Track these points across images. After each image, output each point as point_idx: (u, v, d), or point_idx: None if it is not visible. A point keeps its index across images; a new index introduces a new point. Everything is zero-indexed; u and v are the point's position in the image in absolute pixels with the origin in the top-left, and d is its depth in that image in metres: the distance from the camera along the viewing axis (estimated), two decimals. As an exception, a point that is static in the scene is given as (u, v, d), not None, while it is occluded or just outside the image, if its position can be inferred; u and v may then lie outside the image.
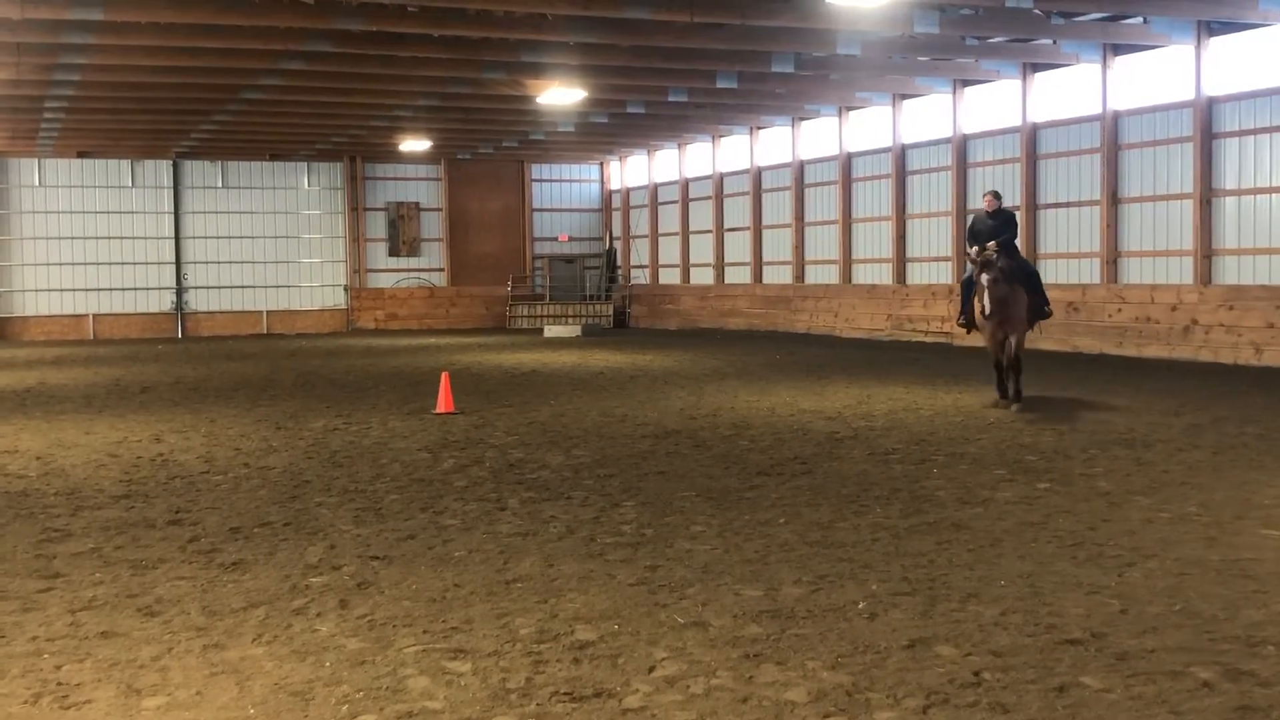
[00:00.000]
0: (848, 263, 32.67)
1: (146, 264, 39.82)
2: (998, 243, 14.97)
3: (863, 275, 32.32)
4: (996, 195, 15.76)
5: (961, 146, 28.47)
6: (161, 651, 5.99)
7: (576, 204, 44.73)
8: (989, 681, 5.44)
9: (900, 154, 30.54)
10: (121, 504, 9.93)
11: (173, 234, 39.97)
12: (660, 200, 41.64)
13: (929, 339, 29.20)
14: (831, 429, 13.91)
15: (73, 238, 38.96)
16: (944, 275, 29.33)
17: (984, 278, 14.73)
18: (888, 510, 9.26)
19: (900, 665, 5.67)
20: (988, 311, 14.77)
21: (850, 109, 32.07)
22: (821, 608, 6.61)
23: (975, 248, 15.05)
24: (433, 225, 42.83)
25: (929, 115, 29.74)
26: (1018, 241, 16.32)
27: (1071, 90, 25.73)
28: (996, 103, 27.74)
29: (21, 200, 38.59)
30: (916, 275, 30.44)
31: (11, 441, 13.82)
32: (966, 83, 28.06)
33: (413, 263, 42.71)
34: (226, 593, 7.10)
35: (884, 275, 31.42)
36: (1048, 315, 15.90)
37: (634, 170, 43.23)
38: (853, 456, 11.87)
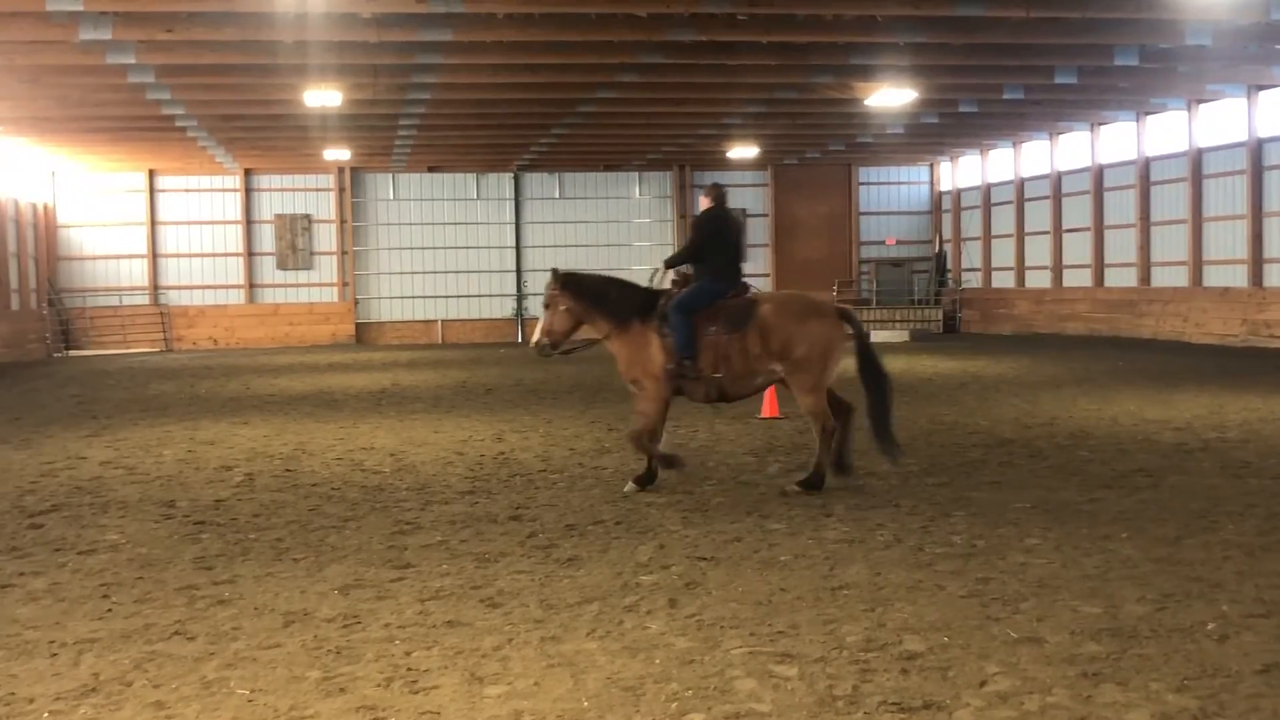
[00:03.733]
0: (1198, 264, 30.86)
1: (490, 272, 41.80)
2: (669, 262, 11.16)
3: (1214, 277, 30.45)
4: (710, 190, 11.09)
5: (1327, 138, 26.43)
6: (502, 642, 6.26)
7: (905, 206, 44.05)
8: (1358, 716, 5.03)
9: (1256, 148, 28.61)
10: (466, 499, 10.45)
11: (514, 244, 41.83)
12: (993, 201, 40.49)
13: (1289, 345, 27.24)
14: (1179, 440, 13.16)
15: (423, 248, 41.35)
16: (1306, 277, 27.31)
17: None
18: (1241, 527, 8.69)
19: (1253, 690, 5.32)
20: (533, 341, 11.18)
21: (1200, 102, 30.32)
22: (1166, 628, 6.28)
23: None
24: (759, 231, 43.09)
25: (1290, 105, 27.78)
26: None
27: None
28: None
29: (377, 213, 41.23)
30: (1276, 277, 28.42)
31: (368, 439, 14.77)
32: (1333, 69, 26.04)
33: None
34: (562, 587, 7.36)
35: (1238, 277, 29.50)
36: (682, 370, 10.54)
37: (966, 171, 42.21)
38: (1202, 470, 11.20)
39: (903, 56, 22.94)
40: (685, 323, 10.54)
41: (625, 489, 10.60)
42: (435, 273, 41.40)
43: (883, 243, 43.71)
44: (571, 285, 10.92)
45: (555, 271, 11.11)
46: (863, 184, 43.61)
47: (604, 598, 7.10)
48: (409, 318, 41.36)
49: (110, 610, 7.03)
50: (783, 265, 43.00)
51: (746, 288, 10.91)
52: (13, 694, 5.60)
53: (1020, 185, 38.73)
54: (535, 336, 11.01)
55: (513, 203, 41.83)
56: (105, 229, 39.35)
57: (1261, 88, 28.17)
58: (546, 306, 10.95)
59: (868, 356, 10.53)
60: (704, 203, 11.14)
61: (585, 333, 11.01)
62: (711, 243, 10.86)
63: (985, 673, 5.65)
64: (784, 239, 43.05)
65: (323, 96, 24.34)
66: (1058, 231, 36.87)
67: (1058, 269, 36.98)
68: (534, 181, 41.94)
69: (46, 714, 5.36)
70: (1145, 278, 32.94)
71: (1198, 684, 5.44)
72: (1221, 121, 30.06)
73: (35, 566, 8.19)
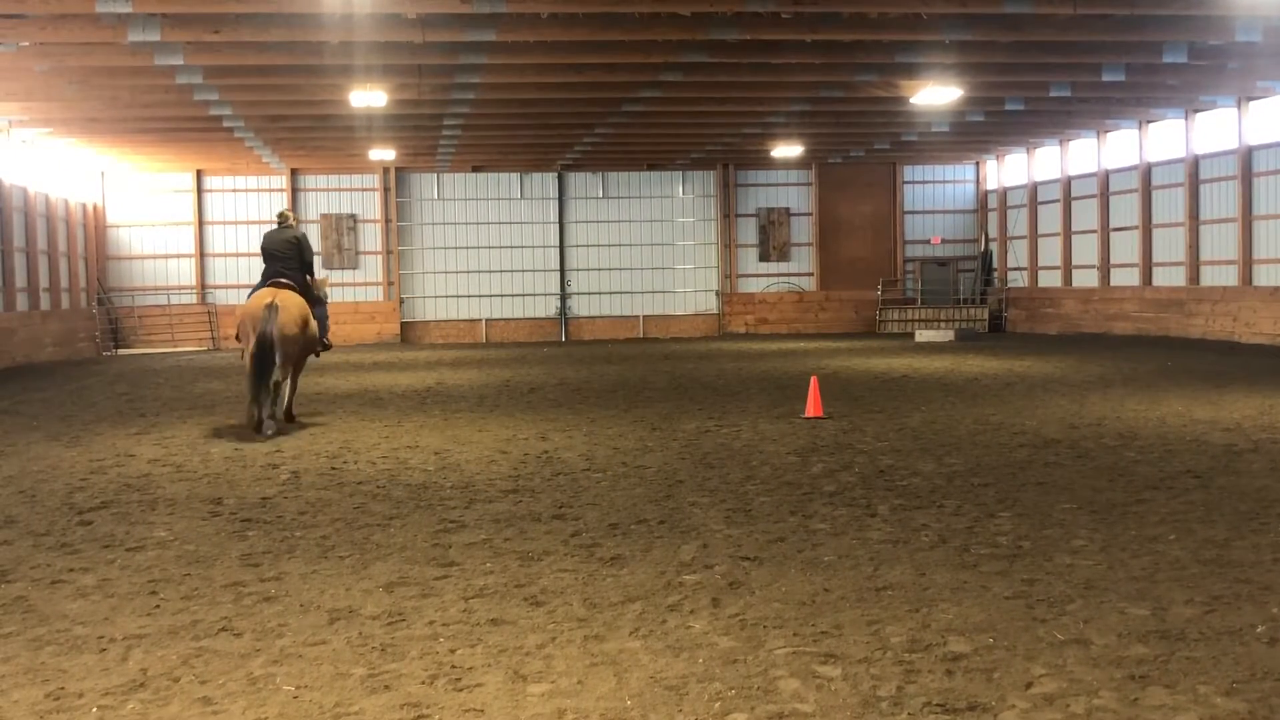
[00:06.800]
0: (1248, 263, 30.51)
1: (534, 271, 41.92)
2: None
3: (1265, 277, 30.10)
4: (278, 216, 16.41)
5: (1381, 135, 26.05)
6: (546, 640, 6.28)
7: (950, 205, 43.78)
8: None
9: (1308, 145, 28.27)
10: (510, 498, 10.49)
11: (557, 243, 41.93)
12: (1040, 200, 40.19)
13: (1341, 345, 26.87)
14: (1229, 441, 13.02)
15: (467, 247, 41.53)
16: (1359, 275, 26.92)
17: None
18: (1292, 529, 8.58)
19: (1306, 697, 5.25)
20: None
21: (1250, 99, 29.97)
22: (1215, 630, 6.21)
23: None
24: (802, 230, 43.00)
25: (1342, 102, 27.39)
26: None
27: None
28: None
29: (422, 212, 41.45)
30: (1327, 276, 28.09)
31: (413, 437, 14.84)
32: (1387, 65, 25.65)
33: (782, 267, 43.03)
34: (605, 586, 7.37)
35: (1289, 276, 29.17)
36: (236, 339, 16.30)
37: (1012, 169, 41.92)
38: (1252, 470, 11.07)
39: (948, 54, 22.81)
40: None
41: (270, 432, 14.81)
42: (479, 272, 41.57)
43: (928, 242, 43.48)
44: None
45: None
46: (907, 183, 43.39)
47: (647, 597, 7.10)
48: (453, 317, 41.56)
49: (158, 606, 7.10)
50: (827, 264, 42.87)
51: (282, 285, 15.56)
52: (62, 689, 5.67)
53: (1067, 183, 38.43)
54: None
55: (556, 202, 41.93)
56: (153, 229, 39.79)
57: (1313, 84, 27.84)
58: None
59: (262, 345, 14.87)
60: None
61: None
62: (264, 253, 16.03)
63: (1031, 674, 5.61)
64: (828, 238, 42.91)
65: (368, 97, 24.47)
66: (1105, 230, 36.55)
67: (1105, 268, 36.67)
68: (578, 181, 42.03)
69: (95, 709, 5.41)
70: (1194, 277, 32.60)
71: (1247, 687, 5.38)
72: (1272, 118, 29.70)
73: (84, 563, 8.28)
